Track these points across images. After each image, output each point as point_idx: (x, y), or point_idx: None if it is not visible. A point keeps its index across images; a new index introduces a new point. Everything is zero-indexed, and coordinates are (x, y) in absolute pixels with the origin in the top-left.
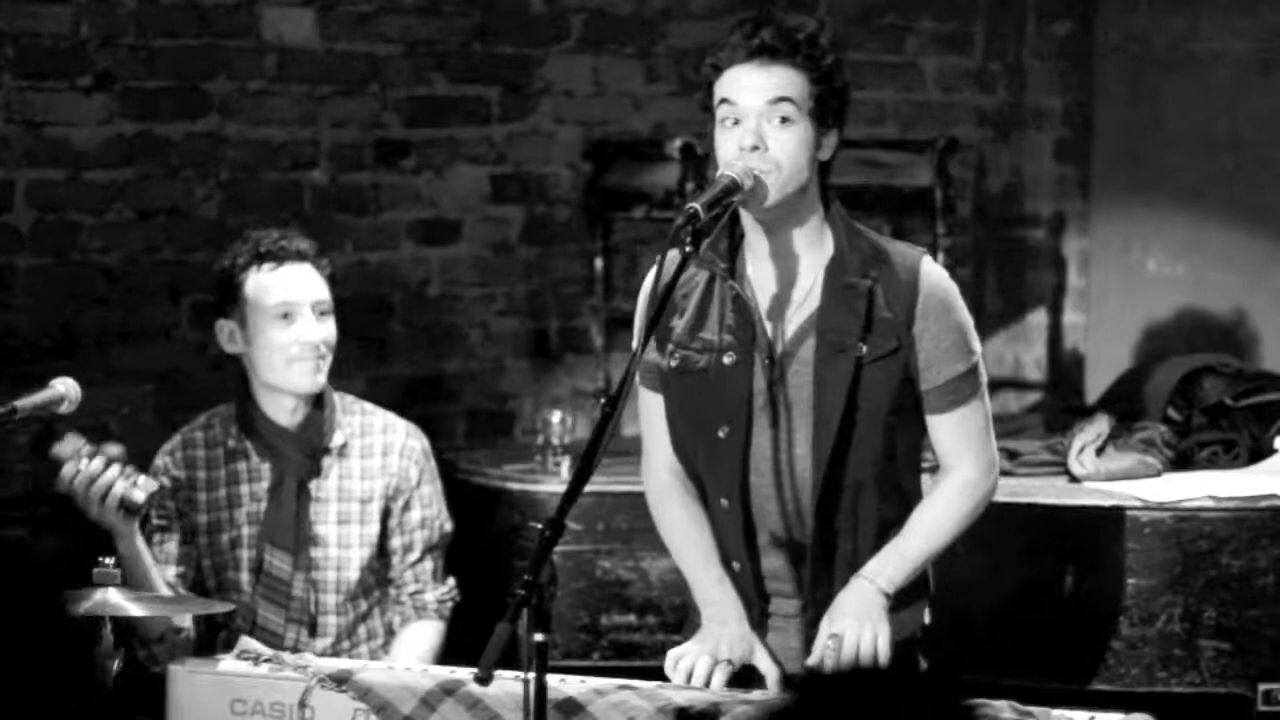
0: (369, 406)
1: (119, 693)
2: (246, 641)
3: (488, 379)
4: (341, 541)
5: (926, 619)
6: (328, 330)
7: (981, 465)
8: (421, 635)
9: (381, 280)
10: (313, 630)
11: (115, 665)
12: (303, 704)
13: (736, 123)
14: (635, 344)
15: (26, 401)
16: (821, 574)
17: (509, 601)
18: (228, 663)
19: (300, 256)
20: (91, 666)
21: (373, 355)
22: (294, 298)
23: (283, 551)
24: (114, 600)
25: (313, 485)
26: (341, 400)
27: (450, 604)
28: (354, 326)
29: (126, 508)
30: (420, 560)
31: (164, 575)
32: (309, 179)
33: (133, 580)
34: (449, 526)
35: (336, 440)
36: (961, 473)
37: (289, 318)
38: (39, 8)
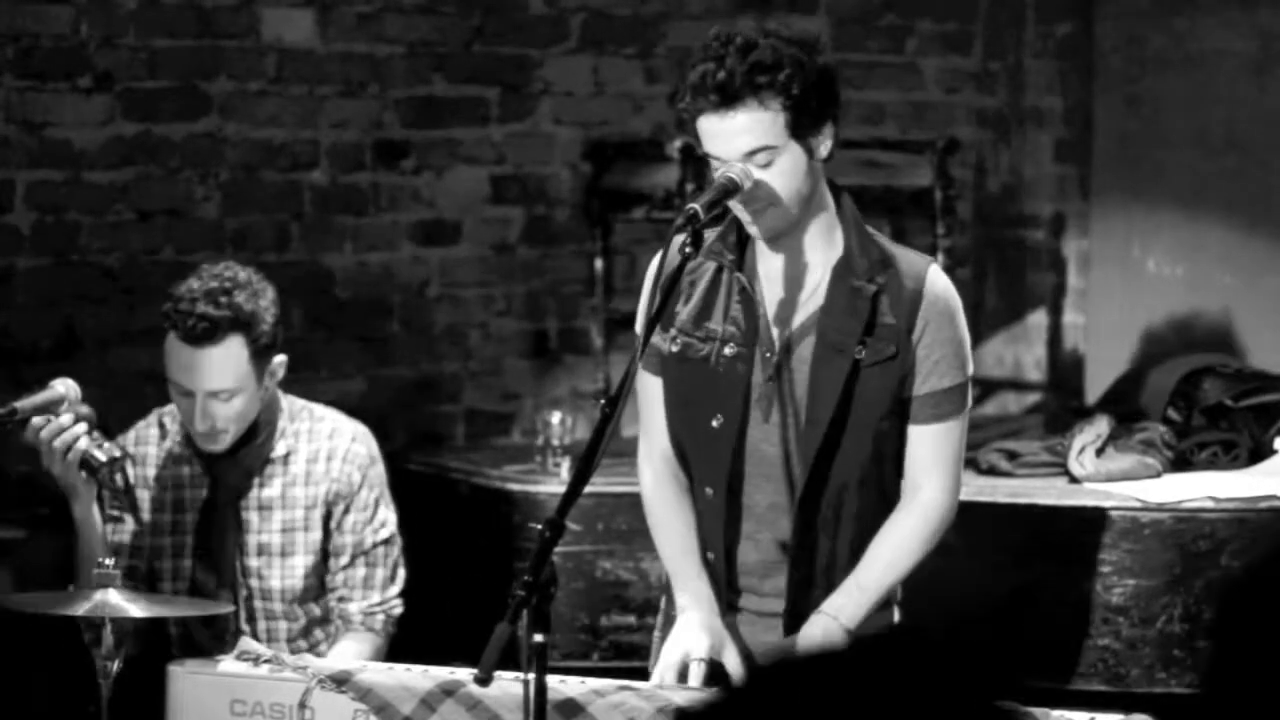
0: (320, 411)
1: (118, 693)
2: (246, 642)
3: (488, 379)
4: (285, 549)
5: (895, 618)
6: (224, 410)
7: (947, 488)
8: (342, 654)
9: (381, 280)
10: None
11: (115, 665)
12: (302, 704)
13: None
14: (637, 339)
15: (26, 402)
16: (803, 573)
17: (509, 602)
18: (227, 663)
19: (219, 335)
20: (91, 667)
21: (373, 355)
22: (188, 385)
23: (208, 568)
24: (114, 600)
25: (254, 497)
26: (290, 406)
27: (382, 616)
28: (354, 326)
29: (87, 465)
30: (349, 566)
31: (116, 565)
32: (309, 179)
33: (81, 548)
34: (384, 534)
35: (279, 450)
36: (925, 494)
37: (187, 395)
38: (39, 8)
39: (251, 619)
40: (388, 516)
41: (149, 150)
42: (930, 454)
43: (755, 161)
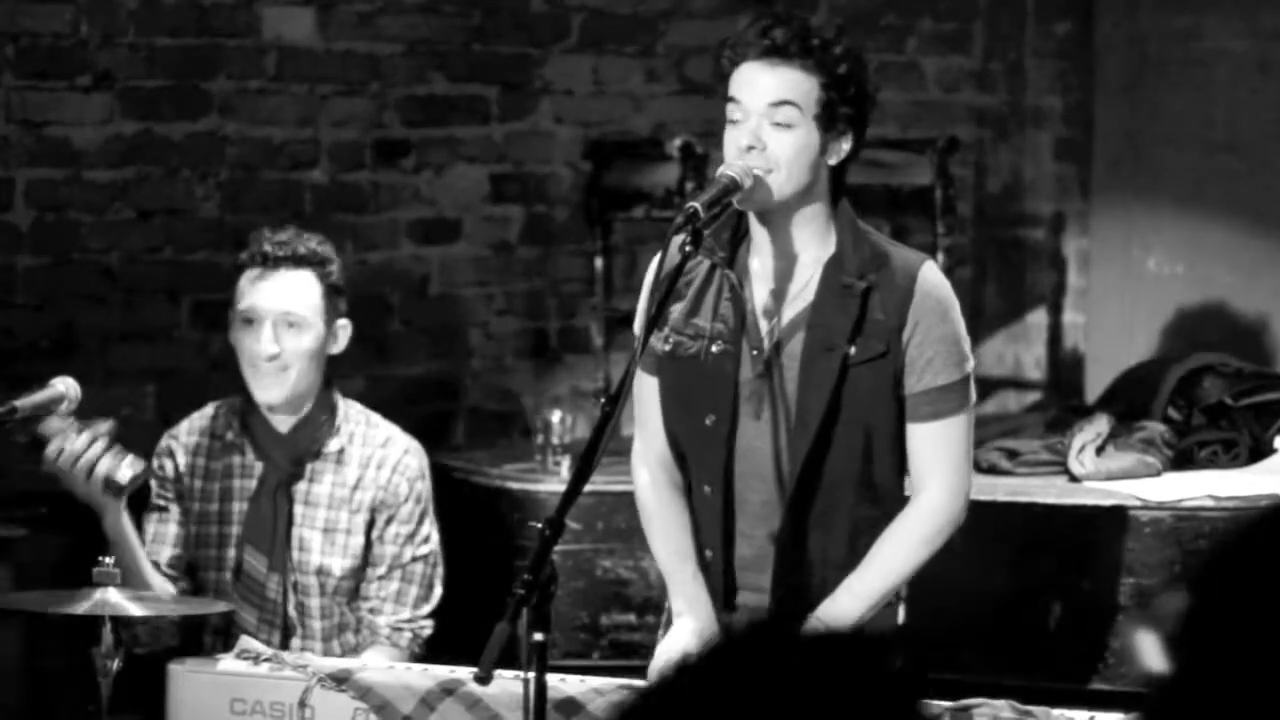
0: (376, 419)
1: (118, 692)
2: (246, 641)
3: (488, 379)
4: (325, 549)
5: (900, 619)
6: (292, 343)
7: (950, 488)
8: None
9: (381, 280)
10: (286, 634)
11: (115, 665)
12: (302, 703)
13: (740, 121)
14: (636, 338)
15: (26, 401)
16: (792, 570)
17: (509, 601)
18: (227, 662)
19: (295, 263)
20: (91, 666)
21: (373, 355)
22: (258, 306)
23: (259, 552)
24: (114, 600)
25: (301, 489)
26: (347, 408)
27: (409, 634)
28: (354, 326)
29: (111, 486)
30: (385, 578)
31: (160, 555)
32: (309, 179)
33: (117, 561)
34: (424, 550)
35: (332, 446)
36: (927, 496)
37: (252, 324)
38: (39, 8)
39: (299, 606)
40: (430, 534)
41: (149, 149)
42: (931, 453)
43: (777, 116)
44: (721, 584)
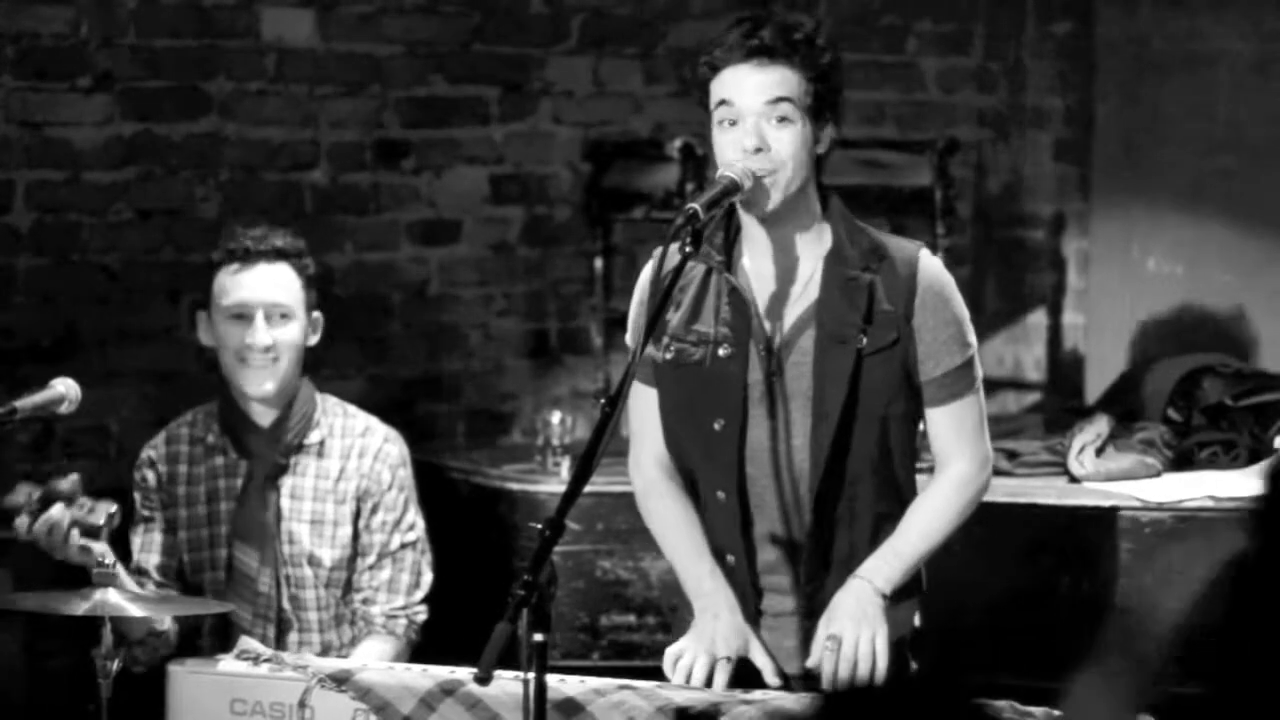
0: (353, 410)
1: (118, 693)
2: (246, 641)
3: (487, 379)
4: (314, 540)
5: (917, 621)
6: (282, 334)
7: (976, 460)
8: (364, 657)
9: (381, 280)
10: (281, 627)
11: (115, 665)
12: (302, 704)
13: (735, 123)
14: (630, 342)
15: (26, 401)
16: (817, 569)
17: (508, 601)
18: (227, 663)
19: (273, 256)
20: (91, 666)
21: (373, 355)
22: (248, 299)
23: (250, 547)
24: (114, 600)
25: (287, 483)
26: (324, 401)
27: (404, 621)
28: (354, 326)
29: (89, 533)
30: (375, 567)
31: (149, 563)
32: (309, 179)
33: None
34: (411, 537)
35: (313, 438)
36: (956, 468)
37: (242, 319)
38: (39, 8)
39: (293, 599)
40: (415, 520)
41: (149, 150)
42: (953, 431)
43: (776, 113)
44: (748, 588)
